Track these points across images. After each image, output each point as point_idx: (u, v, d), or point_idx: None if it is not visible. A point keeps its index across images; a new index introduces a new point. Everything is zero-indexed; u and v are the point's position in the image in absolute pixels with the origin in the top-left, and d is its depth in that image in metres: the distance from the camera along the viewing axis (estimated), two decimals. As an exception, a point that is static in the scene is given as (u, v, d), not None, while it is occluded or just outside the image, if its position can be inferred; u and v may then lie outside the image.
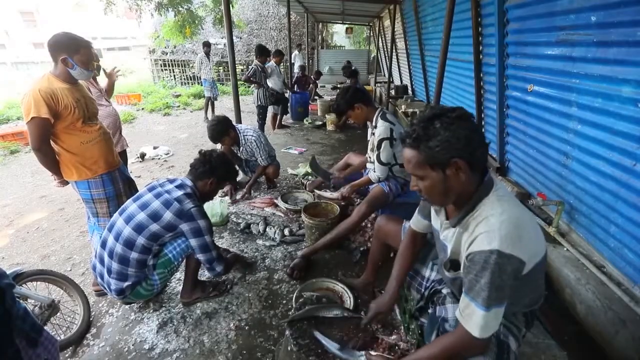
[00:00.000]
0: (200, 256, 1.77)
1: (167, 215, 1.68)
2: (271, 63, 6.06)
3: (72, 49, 1.85)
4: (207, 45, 7.59)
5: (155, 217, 1.68)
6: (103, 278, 1.76)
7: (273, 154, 3.39)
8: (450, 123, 0.96)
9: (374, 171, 2.33)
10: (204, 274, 2.13)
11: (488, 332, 0.96)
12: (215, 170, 1.85)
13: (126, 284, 1.70)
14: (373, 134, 2.36)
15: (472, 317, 0.96)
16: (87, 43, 1.93)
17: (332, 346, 1.34)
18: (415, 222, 1.43)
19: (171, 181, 1.84)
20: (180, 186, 1.80)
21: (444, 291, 1.30)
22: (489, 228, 0.96)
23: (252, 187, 3.35)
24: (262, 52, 5.38)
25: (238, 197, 3.22)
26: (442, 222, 1.17)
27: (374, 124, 2.33)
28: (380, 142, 2.23)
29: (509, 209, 0.98)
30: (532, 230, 1.00)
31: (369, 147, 2.48)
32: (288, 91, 6.97)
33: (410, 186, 1.09)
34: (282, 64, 6.43)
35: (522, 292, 1.06)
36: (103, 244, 1.76)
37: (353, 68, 7.68)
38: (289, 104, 6.50)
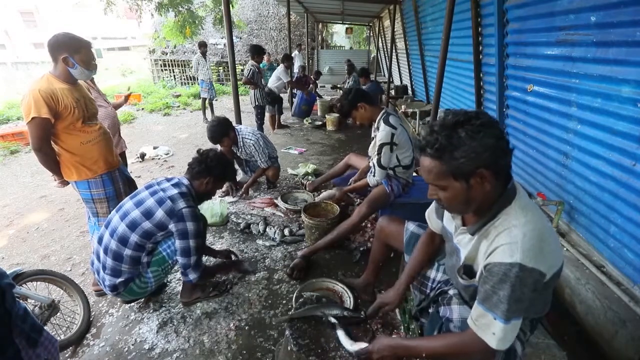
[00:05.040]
0: (178, 258, 1.76)
1: (159, 214, 1.68)
2: (281, 67, 6.11)
3: (73, 48, 1.85)
4: (203, 45, 7.43)
5: (148, 214, 1.69)
6: (99, 274, 1.78)
7: (274, 155, 3.39)
8: (477, 131, 0.89)
9: (373, 175, 2.33)
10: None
11: (506, 345, 0.94)
12: (211, 170, 1.85)
13: (119, 280, 1.71)
14: (375, 135, 2.35)
15: (490, 328, 0.94)
16: (88, 43, 1.93)
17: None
18: (433, 224, 1.38)
19: (168, 180, 1.84)
20: (176, 185, 1.80)
21: (451, 292, 1.28)
22: (511, 240, 0.92)
23: (251, 187, 3.36)
24: (259, 52, 5.38)
25: (235, 198, 3.22)
26: (457, 225, 1.14)
27: (376, 125, 2.33)
28: (380, 147, 2.22)
29: (532, 219, 0.94)
30: (553, 242, 0.97)
31: (372, 148, 2.47)
32: (287, 91, 7.00)
33: (428, 195, 1.05)
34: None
35: (537, 301, 1.05)
36: (100, 240, 1.77)
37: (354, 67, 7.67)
38: (294, 102, 6.57)
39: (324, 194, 2.83)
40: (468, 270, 1.10)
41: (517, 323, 0.94)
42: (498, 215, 0.99)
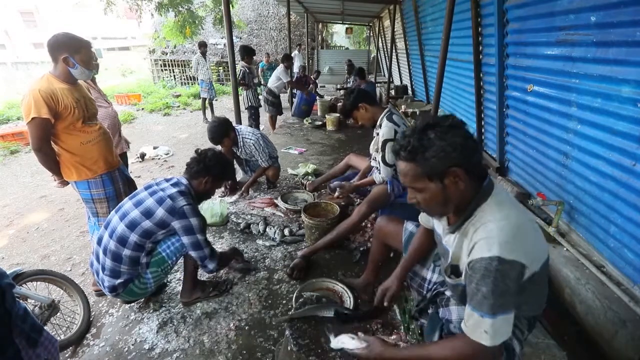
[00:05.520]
0: (192, 253, 1.78)
1: (160, 212, 1.68)
2: (281, 67, 6.14)
3: (73, 48, 1.85)
4: (203, 45, 7.46)
5: (148, 214, 1.69)
6: (98, 275, 1.78)
7: (275, 155, 3.38)
8: (445, 132, 0.95)
9: (379, 173, 2.33)
10: (204, 274, 2.13)
11: (499, 340, 0.93)
12: (210, 169, 1.85)
13: (118, 281, 1.71)
14: (377, 133, 2.34)
15: (480, 327, 0.94)
16: (87, 43, 1.94)
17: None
18: (424, 220, 1.41)
19: (167, 180, 1.85)
20: (175, 184, 1.80)
21: (448, 293, 1.28)
22: (487, 234, 0.94)
23: (251, 187, 3.35)
24: (249, 53, 5.33)
25: (236, 197, 3.22)
26: (444, 227, 1.16)
27: (378, 123, 2.32)
28: (384, 143, 2.21)
29: (508, 213, 0.97)
30: (532, 235, 0.99)
31: (373, 146, 2.47)
32: (287, 91, 7.00)
33: (407, 199, 1.08)
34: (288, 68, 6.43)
35: (526, 297, 1.04)
36: (99, 241, 1.77)
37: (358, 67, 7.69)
38: (294, 102, 6.60)
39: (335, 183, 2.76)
40: (455, 269, 1.12)
41: (506, 317, 0.93)
42: (475, 212, 1.02)
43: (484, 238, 0.95)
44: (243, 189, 3.27)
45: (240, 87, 5.47)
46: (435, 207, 1.05)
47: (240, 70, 5.27)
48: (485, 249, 0.93)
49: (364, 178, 2.65)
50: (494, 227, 0.94)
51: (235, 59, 3.84)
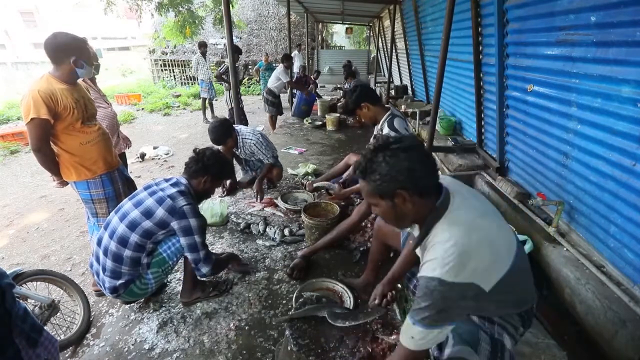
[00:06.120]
0: (187, 254, 1.77)
1: (160, 212, 1.68)
2: (280, 67, 6.15)
3: (79, 49, 1.87)
4: (203, 45, 7.48)
5: (148, 214, 1.68)
6: (99, 276, 1.77)
7: (276, 154, 3.38)
8: (392, 156, 0.97)
9: None
10: (204, 274, 2.13)
11: (425, 345, 0.99)
12: (208, 169, 1.85)
13: (119, 282, 1.71)
14: (375, 135, 2.34)
15: (408, 332, 0.99)
16: (85, 40, 1.96)
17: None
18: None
19: (167, 180, 1.85)
20: (174, 184, 1.80)
21: None
22: (433, 256, 0.96)
23: (261, 185, 3.24)
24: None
25: (258, 202, 3.11)
26: (414, 237, 1.21)
27: (379, 126, 2.31)
28: None
29: (456, 234, 0.95)
30: (481, 255, 0.95)
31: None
32: (287, 91, 7.02)
33: (372, 210, 1.13)
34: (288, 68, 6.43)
35: (501, 302, 1.07)
36: (99, 242, 1.76)
37: (353, 68, 7.73)
38: (294, 102, 6.65)
39: (324, 182, 2.89)
40: None
41: (440, 331, 0.97)
42: (430, 231, 1.04)
43: (430, 260, 0.97)
44: (256, 188, 3.14)
45: (222, 84, 5.52)
46: (391, 221, 1.11)
47: (224, 65, 5.37)
48: (430, 269, 0.96)
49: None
50: (440, 249, 0.96)
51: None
